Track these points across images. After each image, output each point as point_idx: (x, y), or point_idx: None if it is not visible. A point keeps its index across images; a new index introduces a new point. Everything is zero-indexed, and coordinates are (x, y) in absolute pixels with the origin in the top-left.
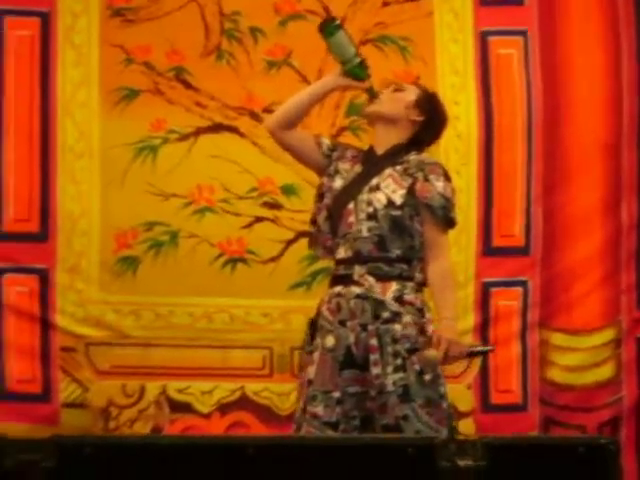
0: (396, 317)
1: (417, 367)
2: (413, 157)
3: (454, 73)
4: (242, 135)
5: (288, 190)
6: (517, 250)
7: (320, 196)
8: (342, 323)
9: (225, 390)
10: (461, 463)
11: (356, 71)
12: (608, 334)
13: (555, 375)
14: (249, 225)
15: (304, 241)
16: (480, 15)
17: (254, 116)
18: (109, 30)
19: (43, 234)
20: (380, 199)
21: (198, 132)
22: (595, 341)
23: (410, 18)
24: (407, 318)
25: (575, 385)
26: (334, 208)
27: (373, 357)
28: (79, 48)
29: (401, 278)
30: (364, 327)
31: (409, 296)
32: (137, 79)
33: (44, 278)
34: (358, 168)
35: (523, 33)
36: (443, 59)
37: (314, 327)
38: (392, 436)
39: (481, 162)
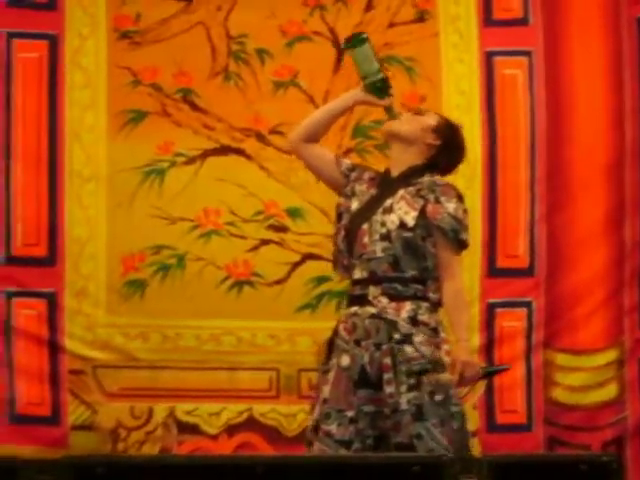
0: (408, 338)
1: (430, 387)
2: (426, 179)
3: (460, 93)
4: (248, 157)
5: (294, 213)
6: (522, 271)
7: (339, 216)
8: (357, 343)
9: (232, 411)
10: None
11: (377, 86)
12: (611, 354)
13: (559, 395)
14: (255, 248)
15: (310, 263)
16: (485, 35)
17: (261, 138)
18: (116, 52)
19: (51, 258)
20: (393, 220)
21: (205, 155)
22: (599, 361)
23: (416, 39)
24: (419, 338)
25: (579, 405)
26: (350, 229)
27: (387, 376)
28: (87, 70)
29: (416, 298)
30: (378, 346)
31: (423, 316)
32: (144, 101)
33: (52, 302)
34: (374, 191)
35: (528, 53)
36: (449, 79)
37: (331, 346)
38: (398, 455)
39: (485, 183)
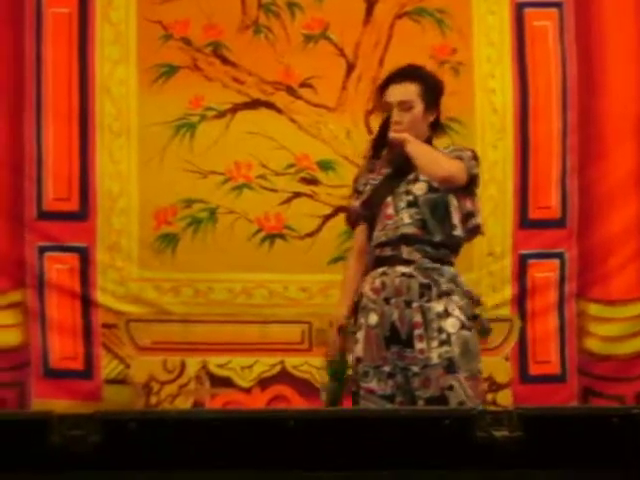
0: (444, 294)
1: (461, 342)
2: (443, 149)
3: (490, 45)
4: (279, 111)
5: (325, 165)
6: (554, 222)
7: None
8: (387, 300)
9: (265, 365)
10: (497, 434)
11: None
12: None
13: (593, 345)
14: (287, 201)
15: (342, 216)
16: None
17: (291, 91)
18: (147, 6)
19: (83, 213)
20: (421, 187)
21: (235, 109)
22: (632, 311)
23: None
24: (455, 297)
25: (613, 355)
26: (372, 203)
27: (417, 332)
28: (117, 25)
29: (444, 263)
30: (408, 304)
31: (457, 278)
32: (175, 55)
33: (84, 256)
34: (388, 170)
35: (558, 5)
36: (480, 31)
37: (356, 309)
38: (429, 408)
39: (517, 135)
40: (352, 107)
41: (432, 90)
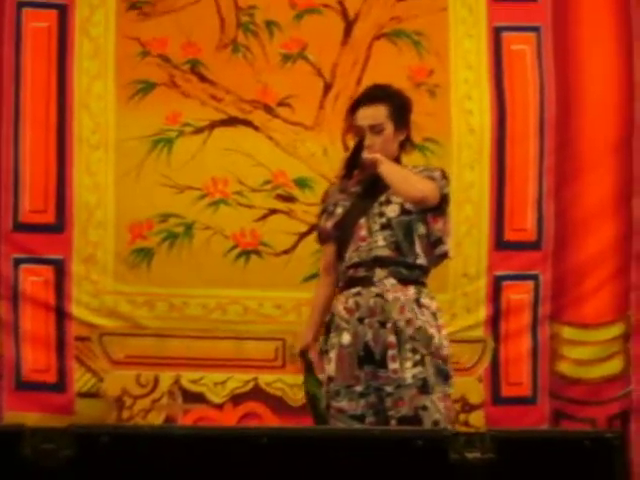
0: (414, 318)
1: (434, 364)
2: (412, 169)
3: (468, 68)
4: (256, 128)
5: (302, 183)
6: (529, 244)
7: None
8: (360, 320)
9: (238, 381)
10: (470, 455)
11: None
12: (617, 329)
13: (565, 368)
14: (263, 217)
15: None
16: (494, 10)
17: (269, 109)
18: (126, 23)
19: (59, 225)
20: (393, 209)
21: (213, 125)
22: (605, 335)
23: (424, 13)
24: (424, 318)
25: (584, 379)
26: (344, 225)
27: (391, 352)
28: (96, 40)
29: (418, 283)
30: (383, 324)
31: (425, 300)
32: (153, 72)
33: (60, 268)
34: (358, 189)
35: (536, 29)
36: (457, 54)
37: (329, 327)
38: (402, 429)
39: (494, 157)
40: (329, 125)
41: (401, 109)
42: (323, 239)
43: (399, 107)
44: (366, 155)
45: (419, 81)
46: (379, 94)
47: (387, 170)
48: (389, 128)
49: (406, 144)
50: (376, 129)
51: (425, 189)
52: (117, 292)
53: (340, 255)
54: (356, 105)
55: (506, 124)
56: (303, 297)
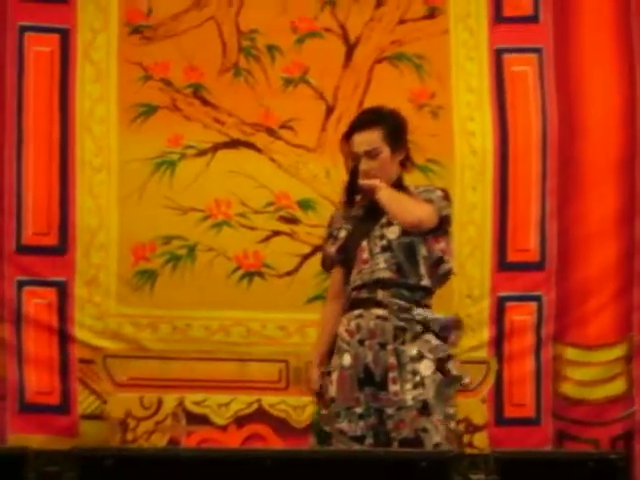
0: (417, 337)
1: (434, 386)
2: (412, 188)
3: (469, 90)
4: (259, 151)
5: (305, 205)
6: (532, 265)
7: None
8: (361, 342)
9: (242, 402)
10: (474, 477)
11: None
12: (620, 350)
13: (568, 389)
14: (266, 239)
15: (320, 255)
16: (495, 33)
17: (271, 132)
18: (128, 47)
19: (62, 247)
20: (394, 231)
21: (215, 148)
22: (608, 356)
23: (426, 36)
24: (428, 337)
25: (588, 399)
26: (347, 248)
27: (392, 374)
28: (98, 64)
29: (420, 305)
30: (383, 346)
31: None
32: (155, 95)
33: (63, 291)
34: (360, 212)
35: (538, 50)
36: (458, 77)
37: (332, 349)
38: (405, 450)
39: (496, 178)
40: (331, 148)
41: (396, 131)
42: (328, 265)
43: (394, 128)
44: (363, 182)
45: (421, 103)
46: (372, 118)
47: (384, 197)
48: (385, 151)
49: (406, 163)
50: (372, 153)
51: (422, 214)
52: (120, 314)
53: (347, 279)
54: (351, 131)
55: (508, 145)
56: (307, 318)
